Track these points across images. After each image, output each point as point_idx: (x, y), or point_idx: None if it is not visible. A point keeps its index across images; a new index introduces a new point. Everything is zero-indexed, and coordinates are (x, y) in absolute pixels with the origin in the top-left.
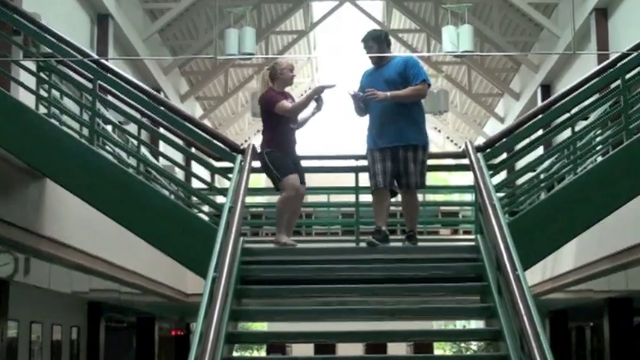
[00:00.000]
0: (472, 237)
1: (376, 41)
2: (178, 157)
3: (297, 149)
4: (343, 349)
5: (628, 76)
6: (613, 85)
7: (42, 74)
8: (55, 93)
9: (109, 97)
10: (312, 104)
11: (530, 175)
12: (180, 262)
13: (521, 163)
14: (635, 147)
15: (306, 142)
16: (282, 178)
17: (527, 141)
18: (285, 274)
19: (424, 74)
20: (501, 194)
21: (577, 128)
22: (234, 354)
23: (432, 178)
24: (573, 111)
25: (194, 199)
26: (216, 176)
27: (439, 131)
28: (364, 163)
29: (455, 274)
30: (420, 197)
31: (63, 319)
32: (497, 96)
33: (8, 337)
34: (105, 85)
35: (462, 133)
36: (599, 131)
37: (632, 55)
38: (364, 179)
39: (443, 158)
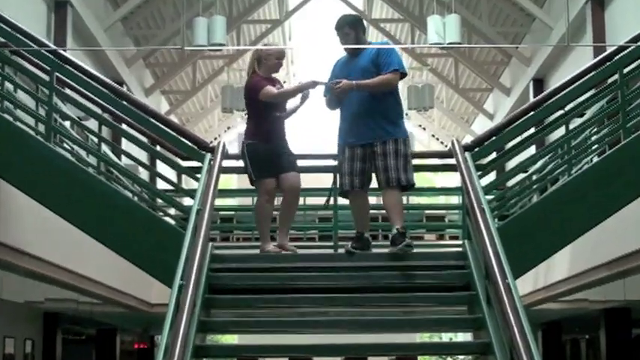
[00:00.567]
0: (459, 243)
1: (352, 27)
2: (142, 155)
3: (287, 139)
4: None
5: (626, 70)
6: (610, 80)
7: None
8: (9, 86)
9: (67, 91)
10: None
11: (521, 176)
12: (143, 269)
13: (511, 164)
14: (634, 146)
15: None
16: (255, 179)
17: (518, 139)
18: (258, 282)
19: (397, 63)
20: (490, 197)
21: (572, 126)
22: None
23: (416, 179)
24: (567, 107)
25: (159, 201)
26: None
27: (424, 129)
28: None
29: (441, 282)
30: (402, 199)
31: (16, 331)
32: (487, 91)
33: None
34: (63, 77)
35: (449, 131)
36: (595, 129)
37: (631, 48)
38: None
39: (428, 158)
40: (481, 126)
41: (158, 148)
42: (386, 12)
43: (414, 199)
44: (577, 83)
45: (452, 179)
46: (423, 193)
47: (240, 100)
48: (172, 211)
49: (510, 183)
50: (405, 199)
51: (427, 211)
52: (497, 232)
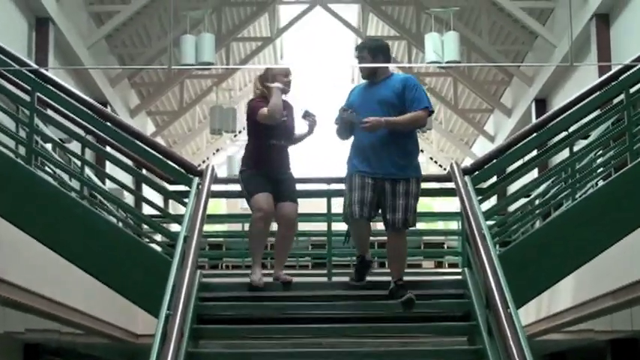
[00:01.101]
0: (459, 270)
1: (372, 53)
2: (127, 179)
3: (287, 167)
4: None
5: (632, 90)
6: (616, 101)
7: None
8: None
9: (49, 112)
10: (305, 127)
11: (523, 200)
12: (128, 299)
13: (513, 188)
14: None
15: None
16: (249, 194)
17: (520, 162)
18: (248, 311)
19: (427, 100)
20: (491, 222)
21: (576, 148)
22: None
23: None
24: (571, 129)
25: (145, 227)
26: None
27: (422, 151)
28: (337, 186)
29: (440, 312)
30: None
31: None
32: (487, 112)
33: None
34: (44, 97)
35: (448, 154)
36: (601, 152)
37: (637, 67)
38: (338, 205)
39: (426, 182)
40: (481, 148)
41: (144, 171)
42: (381, 29)
43: None
44: (581, 104)
45: (451, 204)
46: (421, 219)
47: (229, 121)
48: (159, 237)
49: (512, 208)
50: None
51: (425, 238)
52: (498, 260)
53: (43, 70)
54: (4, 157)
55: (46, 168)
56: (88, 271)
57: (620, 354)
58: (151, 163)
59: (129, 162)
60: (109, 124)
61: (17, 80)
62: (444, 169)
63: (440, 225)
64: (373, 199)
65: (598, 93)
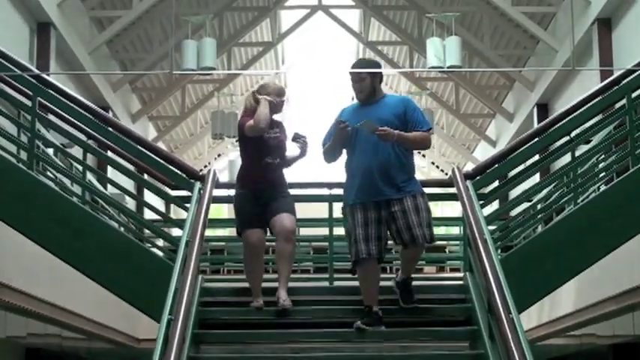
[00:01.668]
0: (460, 275)
1: (371, 73)
2: (129, 184)
3: (284, 187)
4: None
5: (634, 94)
6: (618, 105)
7: None
8: None
9: (51, 117)
10: (296, 149)
11: (525, 205)
12: (130, 304)
13: (515, 192)
14: None
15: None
16: (240, 230)
17: (521, 167)
18: (250, 316)
19: (429, 121)
20: (493, 227)
21: (577, 153)
22: None
23: None
24: (573, 134)
25: (147, 231)
26: (172, 206)
27: (423, 156)
28: (339, 191)
29: (441, 317)
30: None
31: None
32: (489, 116)
33: None
34: (46, 102)
35: (449, 159)
36: (603, 156)
37: (639, 72)
38: (338, 209)
39: (427, 187)
40: (483, 153)
41: (145, 176)
42: (383, 34)
43: None
44: (583, 108)
45: (453, 209)
46: None
47: (230, 126)
48: (160, 242)
49: (514, 213)
50: None
51: None
52: (500, 264)
53: (44, 75)
54: (6, 162)
55: (48, 173)
56: (89, 276)
57: (622, 359)
58: (152, 168)
59: (130, 167)
60: (110, 129)
61: (19, 85)
62: (446, 173)
63: (441, 230)
64: (379, 233)
65: (600, 98)
